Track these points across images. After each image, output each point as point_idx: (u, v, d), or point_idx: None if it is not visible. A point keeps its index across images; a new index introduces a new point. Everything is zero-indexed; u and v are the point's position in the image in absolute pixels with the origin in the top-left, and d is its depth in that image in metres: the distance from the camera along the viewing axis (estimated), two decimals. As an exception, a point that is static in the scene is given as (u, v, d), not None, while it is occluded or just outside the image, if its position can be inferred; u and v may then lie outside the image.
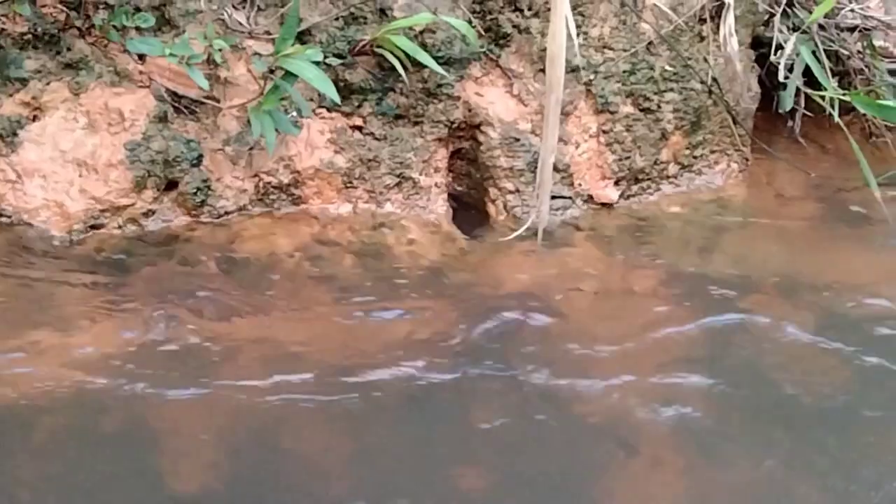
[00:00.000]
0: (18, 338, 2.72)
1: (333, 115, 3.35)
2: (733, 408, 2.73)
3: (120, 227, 3.16)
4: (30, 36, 3.08)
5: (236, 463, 2.44)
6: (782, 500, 2.45)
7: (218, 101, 3.23)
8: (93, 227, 3.13)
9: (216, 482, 2.39)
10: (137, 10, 3.15)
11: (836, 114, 3.66)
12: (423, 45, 3.28)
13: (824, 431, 2.65)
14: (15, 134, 3.08)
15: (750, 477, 2.51)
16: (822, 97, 3.72)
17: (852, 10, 3.89)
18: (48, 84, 3.12)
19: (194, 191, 3.20)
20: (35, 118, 3.11)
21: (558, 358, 2.87)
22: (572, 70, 3.44)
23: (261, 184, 3.28)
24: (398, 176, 3.39)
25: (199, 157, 3.21)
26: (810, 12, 3.74)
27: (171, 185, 3.20)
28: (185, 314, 2.89)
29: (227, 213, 3.27)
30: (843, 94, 3.67)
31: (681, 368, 2.86)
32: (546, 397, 2.73)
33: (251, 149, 3.25)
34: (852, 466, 2.54)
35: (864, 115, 3.86)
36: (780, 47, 3.74)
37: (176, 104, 3.21)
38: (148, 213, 3.19)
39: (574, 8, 3.40)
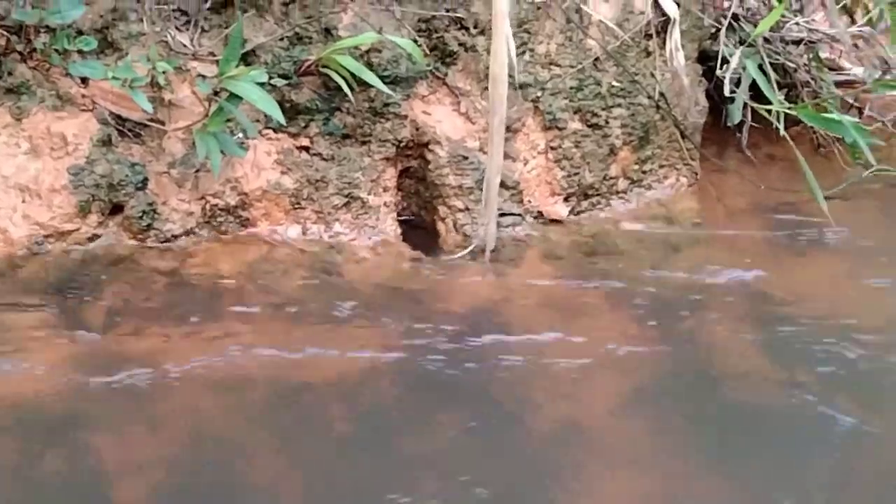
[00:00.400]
0: None
1: (280, 135, 3.37)
2: (683, 418, 2.76)
3: (65, 252, 3.15)
4: None
5: (185, 485, 2.43)
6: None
7: (163, 123, 3.24)
8: (37, 252, 3.11)
9: None
10: (80, 33, 3.15)
11: (782, 127, 3.71)
12: (369, 65, 3.31)
13: (772, 438, 2.69)
14: None
15: (700, 480, 2.53)
16: (769, 111, 3.77)
17: (797, 24, 3.95)
18: None
19: (140, 214, 3.20)
20: None
21: (509, 375, 2.89)
22: (519, 87, 3.49)
23: (207, 206, 3.29)
24: (346, 196, 3.40)
25: (145, 181, 3.21)
26: (756, 26, 3.81)
27: (117, 209, 3.20)
28: (131, 338, 2.88)
29: (174, 236, 3.26)
30: (789, 108, 3.72)
31: (631, 382, 2.89)
32: (494, 410, 2.75)
33: (197, 171, 3.25)
34: (786, 471, 2.57)
35: (812, 126, 3.91)
36: (726, 61, 3.79)
37: (120, 127, 3.21)
38: (93, 238, 3.18)
39: (520, 25, 3.48)
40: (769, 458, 2.61)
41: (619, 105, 3.71)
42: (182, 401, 2.69)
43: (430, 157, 3.48)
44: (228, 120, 3.20)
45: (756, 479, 2.55)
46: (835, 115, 3.66)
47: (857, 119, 3.91)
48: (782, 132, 3.72)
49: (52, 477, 2.43)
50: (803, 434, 2.72)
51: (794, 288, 3.35)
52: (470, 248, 3.37)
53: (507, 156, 3.49)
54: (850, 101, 4.16)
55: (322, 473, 2.52)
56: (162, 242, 3.25)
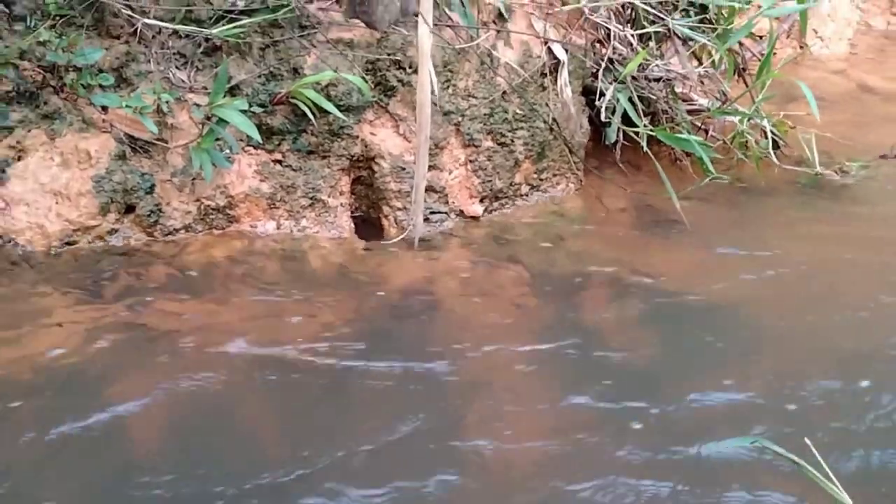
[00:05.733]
0: (9, 331, 2.76)
1: (259, 151, 3.42)
2: (567, 365, 2.88)
3: (89, 243, 3.21)
4: (14, 93, 3.13)
5: (184, 427, 2.48)
6: (598, 432, 2.56)
7: (166, 141, 3.29)
8: (67, 243, 3.18)
9: (168, 441, 2.43)
10: (100, 71, 3.21)
11: (645, 145, 3.82)
12: (328, 96, 3.38)
13: (637, 386, 2.79)
14: (3, 171, 3.12)
15: (579, 413, 2.64)
16: (637, 132, 3.89)
17: (657, 65, 4.06)
18: (29, 131, 3.16)
19: (148, 213, 3.27)
20: (20, 158, 3.16)
21: (436, 335, 2.99)
22: (445, 114, 3.58)
23: (202, 206, 3.36)
24: (311, 199, 3.48)
25: (152, 187, 3.27)
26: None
27: (130, 208, 3.27)
28: (140, 310, 2.95)
29: (175, 230, 3.33)
30: (651, 130, 3.85)
31: (531, 340, 3.00)
32: (425, 363, 2.83)
33: (194, 179, 3.32)
34: (662, 416, 2.66)
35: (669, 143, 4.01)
36: (603, 94, 3.88)
37: (132, 145, 3.26)
38: (112, 232, 3.25)
39: (444, 66, 3.56)
40: (640, 395, 2.72)
41: (522, 128, 3.79)
42: (178, 356, 2.75)
43: (376, 168, 3.55)
44: (218, 139, 3.27)
45: (623, 407, 2.66)
46: (684, 136, 3.79)
47: (702, 138, 4.05)
48: (645, 149, 3.82)
49: (73, 414, 2.47)
50: (661, 382, 2.79)
51: (654, 269, 3.45)
52: (400, 237, 3.43)
53: (435, 167, 3.56)
54: (698, 124, 4.28)
55: (294, 411, 2.57)
56: (166, 235, 3.31)
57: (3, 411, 2.48)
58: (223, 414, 2.55)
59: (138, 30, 3.26)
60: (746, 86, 4.33)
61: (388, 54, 3.50)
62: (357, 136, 3.51)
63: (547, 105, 3.86)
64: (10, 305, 2.90)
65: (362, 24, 3.45)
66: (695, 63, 4.28)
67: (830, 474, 1.85)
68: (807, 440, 2.10)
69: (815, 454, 1.92)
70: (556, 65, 3.85)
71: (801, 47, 6.07)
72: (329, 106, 3.36)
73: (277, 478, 2.35)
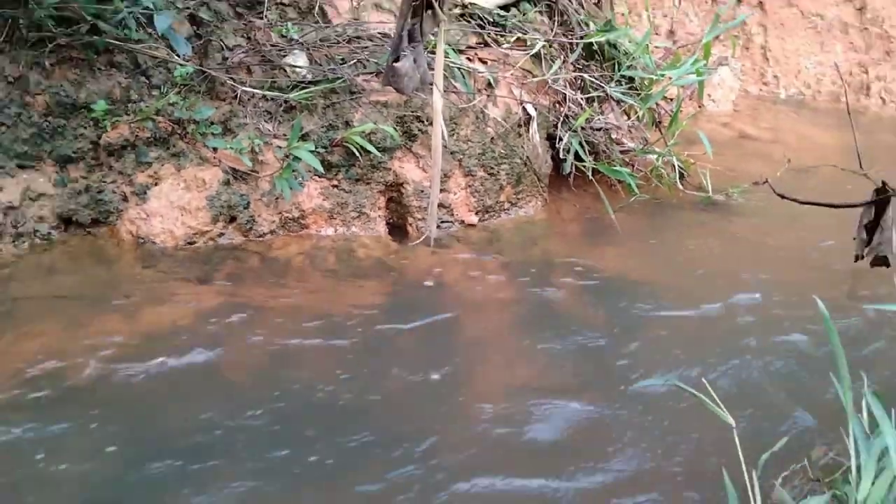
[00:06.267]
0: (150, 304, 2.78)
1: (322, 179, 3.43)
2: (536, 322, 2.88)
3: (205, 243, 3.23)
4: (152, 139, 3.16)
5: (267, 371, 2.48)
6: (570, 375, 2.55)
7: (258, 172, 3.32)
8: (189, 243, 3.20)
9: (255, 380, 2.44)
10: (212, 123, 3.25)
11: (590, 175, 3.85)
12: (370, 141, 3.39)
13: (586, 337, 2.77)
14: (145, 193, 3.16)
15: (544, 364, 2.64)
16: (584, 166, 3.91)
17: (599, 119, 4.07)
18: (163, 165, 3.18)
19: (246, 222, 3.29)
20: (156, 184, 3.18)
21: (445, 305, 2.98)
22: (451, 153, 3.60)
23: (282, 217, 3.36)
24: (358, 212, 3.48)
25: (248, 204, 3.29)
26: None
27: (233, 219, 3.27)
28: (240, 289, 2.94)
29: (264, 234, 3.33)
30: (595, 164, 3.87)
31: (509, 310, 3.00)
32: (437, 323, 2.85)
33: (277, 198, 3.33)
34: (603, 360, 2.65)
35: (607, 174, 4.03)
36: (561, 139, 3.91)
37: (234, 175, 3.29)
38: (220, 235, 3.26)
39: (451, 119, 3.57)
40: (591, 355, 2.72)
41: (505, 163, 3.77)
42: (266, 324, 2.73)
43: (403, 190, 3.54)
44: (293, 170, 3.27)
45: (570, 362, 2.64)
46: (618, 168, 3.82)
47: (630, 170, 4.05)
48: (591, 177, 3.84)
49: (190, 369, 2.45)
50: (600, 337, 2.79)
51: (597, 259, 3.44)
52: (420, 239, 3.43)
53: (444, 190, 3.57)
54: (627, 160, 4.26)
55: (345, 365, 2.58)
56: (258, 237, 3.31)
57: (156, 362, 2.49)
58: (296, 362, 2.56)
59: (238, 95, 3.29)
60: (661, 134, 4.35)
61: (412, 111, 3.53)
62: (390, 169, 3.53)
63: (522, 147, 3.86)
64: (150, 286, 2.93)
65: (393, 91, 3.40)
66: (625, 118, 4.29)
67: (719, 402, 1.88)
68: (703, 379, 2.14)
69: (708, 388, 1.95)
70: (528, 119, 3.86)
71: (699, 106, 6.10)
72: (371, 147, 3.37)
73: (333, 406, 2.38)
